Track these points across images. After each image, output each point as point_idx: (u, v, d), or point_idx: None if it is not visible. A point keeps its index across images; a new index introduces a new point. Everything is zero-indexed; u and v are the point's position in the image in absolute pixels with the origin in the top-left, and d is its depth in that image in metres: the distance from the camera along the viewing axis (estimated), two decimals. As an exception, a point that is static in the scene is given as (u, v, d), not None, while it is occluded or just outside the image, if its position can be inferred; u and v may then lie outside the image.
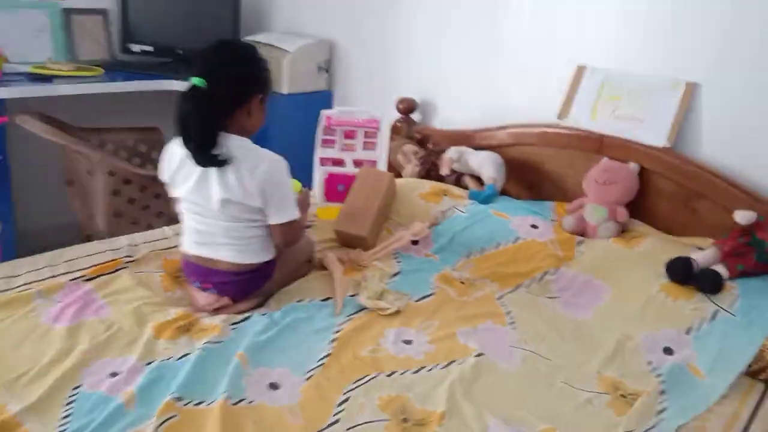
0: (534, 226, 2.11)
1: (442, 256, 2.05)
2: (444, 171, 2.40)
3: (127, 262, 1.83)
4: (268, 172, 1.55)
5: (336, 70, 3.22)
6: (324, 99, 3.22)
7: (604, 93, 2.23)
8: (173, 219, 1.89)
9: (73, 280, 1.72)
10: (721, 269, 1.75)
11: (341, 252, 2.00)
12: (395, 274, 1.92)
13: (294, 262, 1.78)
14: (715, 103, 2.01)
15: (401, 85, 2.90)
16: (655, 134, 2.09)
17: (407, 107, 2.79)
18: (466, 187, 2.42)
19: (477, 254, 2.04)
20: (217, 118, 1.53)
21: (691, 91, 2.04)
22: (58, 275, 1.75)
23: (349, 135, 2.51)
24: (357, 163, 2.49)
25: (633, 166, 2.12)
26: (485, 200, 2.24)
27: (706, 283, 1.71)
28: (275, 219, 1.61)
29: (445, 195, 2.29)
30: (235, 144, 1.56)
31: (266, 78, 1.63)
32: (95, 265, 1.80)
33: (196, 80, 1.52)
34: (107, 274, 1.77)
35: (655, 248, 1.94)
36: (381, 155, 2.50)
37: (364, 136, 2.51)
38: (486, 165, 2.34)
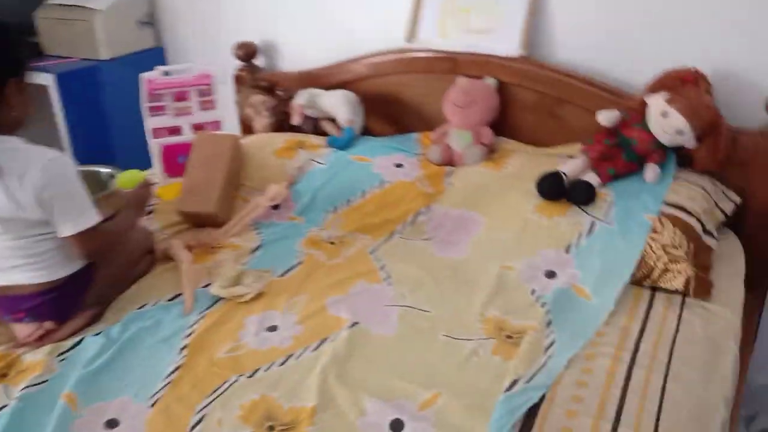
0: (399, 165, 1.94)
1: (306, 217, 1.86)
2: (295, 120, 2.17)
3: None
4: (42, 177, 1.27)
5: (162, 23, 2.85)
6: (155, 57, 2.83)
7: (450, 6, 2.04)
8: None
9: None
10: (591, 177, 1.65)
11: (189, 235, 1.76)
12: (256, 249, 1.71)
13: (124, 259, 1.52)
14: (566, 2, 1.87)
15: (239, 28, 2.60)
16: (508, 44, 1.93)
17: (247, 53, 2.49)
18: (326, 134, 2.21)
19: (344, 207, 1.86)
20: None
21: (536, -10, 1.89)
22: None
23: (180, 97, 2.21)
24: (197, 128, 2.20)
25: (490, 82, 1.97)
26: (345, 146, 2.04)
27: (579, 195, 1.60)
28: (65, 230, 1.33)
29: (301, 148, 2.07)
30: None
31: (20, 58, 1.32)
32: None
33: None
34: None
35: (525, 166, 1.83)
36: (224, 114, 2.22)
37: (199, 95, 2.22)
38: (339, 106, 2.12)
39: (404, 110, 2.22)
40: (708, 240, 1.51)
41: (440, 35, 2.06)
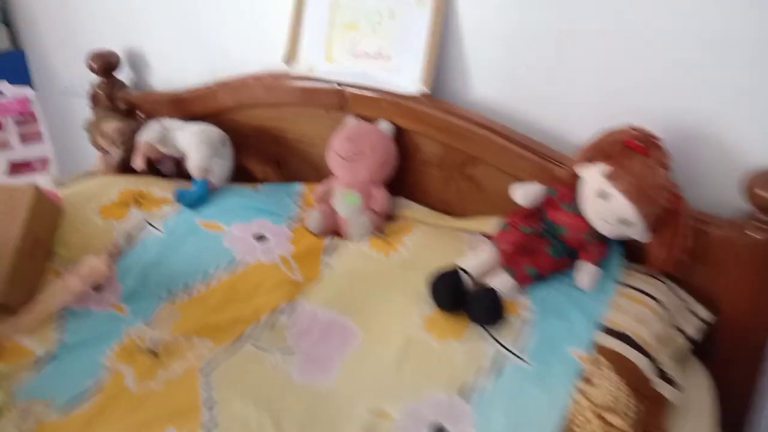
0: (260, 238, 1.45)
1: (132, 306, 1.37)
2: (137, 163, 1.65)
3: None
4: None
5: (20, 22, 2.30)
6: (12, 63, 2.29)
7: (336, 21, 1.54)
8: None
9: None
10: (503, 279, 1.19)
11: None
12: (46, 359, 1.22)
13: None
14: (482, 24, 1.39)
15: (99, 33, 2.07)
16: (406, 76, 1.45)
17: (104, 64, 1.96)
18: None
19: (182, 296, 1.37)
20: None
21: (443, 7, 1.40)
22: None
23: (-7, 127, 1.70)
24: (15, 168, 1.69)
25: (384, 127, 1.49)
26: (195, 202, 1.54)
27: (480, 310, 1.14)
28: None
29: (138, 203, 1.56)
30: None
31: None
32: None
33: None
34: None
35: (422, 248, 1.36)
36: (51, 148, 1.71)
37: (18, 124, 1.70)
38: (192, 148, 1.62)
39: (288, 151, 1.73)
40: (662, 388, 1.06)
41: (326, 58, 1.56)
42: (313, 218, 1.48)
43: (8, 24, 2.31)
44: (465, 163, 1.43)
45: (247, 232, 1.46)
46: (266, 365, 1.21)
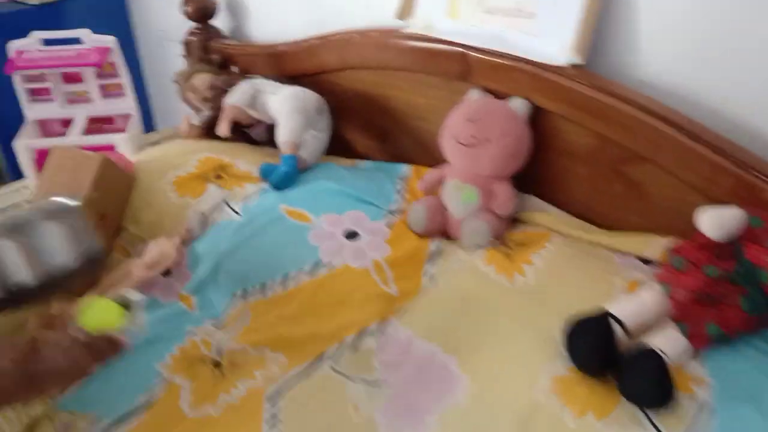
0: (352, 235, 1.19)
1: (201, 299, 1.17)
2: (221, 129, 1.43)
3: None
4: None
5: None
6: (111, 3, 2.14)
7: (467, -34, 1.21)
8: None
9: None
10: (672, 338, 0.85)
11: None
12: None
13: None
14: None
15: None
16: (553, 41, 1.10)
17: (200, 9, 1.74)
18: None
19: (256, 295, 1.15)
20: None
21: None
22: None
23: (72, 78, 1.51)
24: (95, 124, 1.52)
25: (517, 106, 1.15)
26: (281, 182, 1.30)
27: (636, 381, 0.82)
28: None
29: (219, 177, 1.34)
30: None
31: None
32: None
33: None
34: None
35: (555, 275, 1.04)
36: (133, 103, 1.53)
37: (97, 76, 1.51)
38: (283, 116, 1.37)
39: (395, 124, 1.44)
40: None
41: (450, 14, 1.24)
42: (417, 214, 1.19)
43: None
44: (624, 161, 1.08)
45: (337, 226, 1.20)
46: (346, 398, 0.97)
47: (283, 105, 1.37)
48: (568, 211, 1.19)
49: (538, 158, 1.18)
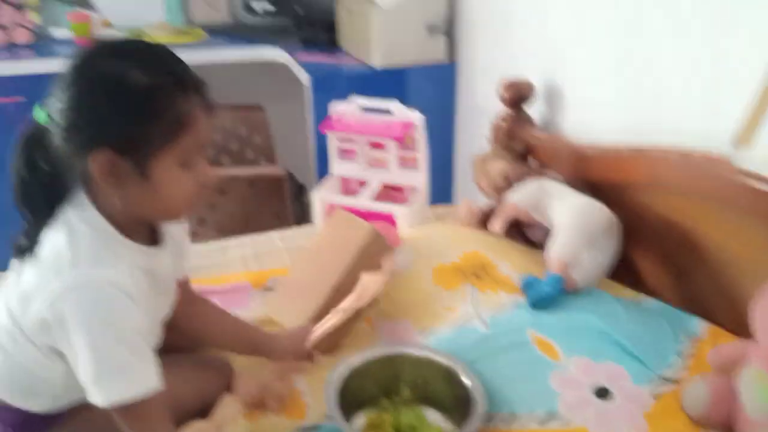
0: (602, 393, 0.98)
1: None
2: (495, 227, 1.33)
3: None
4: (47, 315, 0.79)
5: (459, 32, 2.20)
6: (442, 75, 2.23)
7: None
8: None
9: None
10: None
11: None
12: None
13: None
14: None
15: (526, 61, 1.81)
16: None
17: (515, 95, 1.68)
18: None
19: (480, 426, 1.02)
20: (50, 179, 0.83)
21: None
22: None
23: (376, 143, 1.58)
24: (385, 191, 1.56)
25: None
26: (538, 303, 1.15)
27: None
28: (93, 396, 0.79)
29: (476, 276, 1.25)
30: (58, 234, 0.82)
31: (175, 116, 0.78)
32: None
33: (38, 111, 0.82)
34: None
35: None
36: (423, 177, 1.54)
37: (399, 147, 1.55)
38: (562, 227, 1.22)
39: (696, 264, 1.19)
40: None
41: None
42: (697, 393, 0.94)
43: (447, 33, 2.22)
44: None
45: (589, 375, 1.01)
46: None
47: (566, 216, 1.22)
48: None
49: None
